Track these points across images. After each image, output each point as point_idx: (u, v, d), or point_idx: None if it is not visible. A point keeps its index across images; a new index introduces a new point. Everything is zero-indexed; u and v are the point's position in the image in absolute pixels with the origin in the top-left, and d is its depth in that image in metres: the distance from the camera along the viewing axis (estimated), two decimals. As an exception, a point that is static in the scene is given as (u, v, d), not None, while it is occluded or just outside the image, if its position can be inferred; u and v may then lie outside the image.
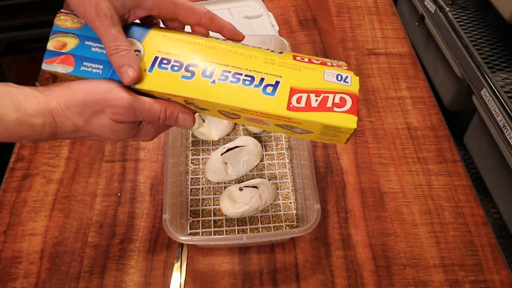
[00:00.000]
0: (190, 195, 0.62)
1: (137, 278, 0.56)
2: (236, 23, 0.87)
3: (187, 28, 0.44)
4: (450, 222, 0.61)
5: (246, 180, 0.62)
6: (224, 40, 0.43)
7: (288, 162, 0.65)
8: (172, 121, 0.41)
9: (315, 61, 0.41)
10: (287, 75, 0.39)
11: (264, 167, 0.65)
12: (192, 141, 0.68)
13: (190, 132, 0.68)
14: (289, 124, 0.40)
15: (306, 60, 0.41)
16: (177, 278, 0.55)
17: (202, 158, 0.66)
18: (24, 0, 1.45)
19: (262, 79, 0.39)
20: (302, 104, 0.38)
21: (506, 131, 0.75)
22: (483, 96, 0.82)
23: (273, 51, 0.41)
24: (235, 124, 0.69)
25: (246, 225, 0.59)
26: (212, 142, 0.67)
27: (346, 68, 0.41)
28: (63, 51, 0.40)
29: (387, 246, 0.59)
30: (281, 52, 0.41)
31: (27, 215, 0.61)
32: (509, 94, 0.78)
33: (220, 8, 0.90)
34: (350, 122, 0.38)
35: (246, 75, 0.39)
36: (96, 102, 0.38)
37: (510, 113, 0.74)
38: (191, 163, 0.65)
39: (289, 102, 0.38)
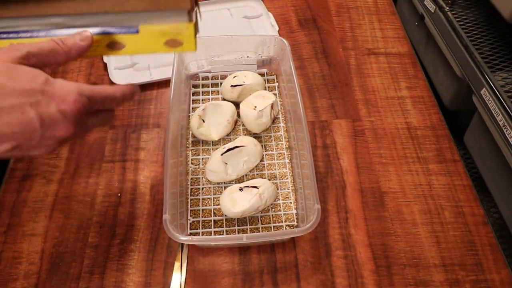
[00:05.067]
0: (190, 195, 0.62)
1: (137, 278, 0.56)
2: (236, 23, 0.87)
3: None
4: (450, 221, 0.61)
5: (246, 180, 0.62)
6: None
7: (288, 162, 0.65)
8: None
9: None
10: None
11: (264, 167, 0.65)
12: (192, 141, 0.68)
13: (190, 132, 0.68)
14: None
15: None
16: (177, 278, 0.55)
17: (202, 158, 0.66)
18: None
19: None
20: None
21: (506, 131, 0.75)
22: (483, 96, 0.82)
23: None
24: (235, 124, 0.69)
25: (246, 225, 0.59)
26: (212, 142, 0.67)
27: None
28: None
29: (387, 246, 0.59)
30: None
31: (27, 216, 0.61)
32: (509, 94, 0.78)
33: (220, 8, 0.90)
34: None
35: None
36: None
37: (510, 112, 0.74)
38: (191, 163, 0.65)
39: None
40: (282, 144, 0.68)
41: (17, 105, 0.33)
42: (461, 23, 0.95)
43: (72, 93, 0.36)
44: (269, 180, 0.63)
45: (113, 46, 0.43)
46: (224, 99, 0.72)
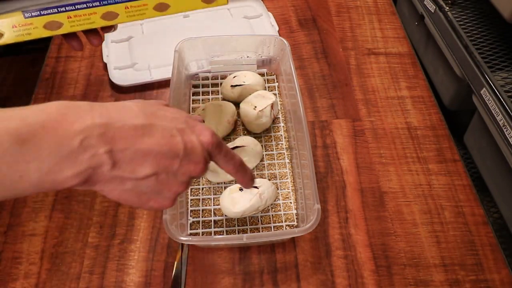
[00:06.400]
0: (190, 195, 0.62)
1: (137, 279, 0.56)
2: (236, 23, 0.87)
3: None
4: (450, 221, 0.61)
5: (246, 180, 0.62)
6: None
7: (288, 162, 0.65)
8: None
9: None
10: None
11: (264, 167, 0.65)
12: (192, 141, 0.68)
13: (190, 132, 0.68)
14: None
15: None
16: (177, 278, 0.55)
17: (202, 158, 0.66)
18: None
19: None
20: None
21: (506, 131, 0.75)
22: (483, 96, 0.82)
23: None
24: (235, 124, 0.69)
25: (246, 225, 0.59)
26: (212, 142, 0.67)
27: None
28: None
29: (387, 245, 0.59)
30: None
31: (27, 216, 0.61)
32: (509, 94, 0.78)
33: (220, 8, 0.90)
34: None
35: None
36: None
37: (510, 112, 0.74)
38: (191, 163, 0.65)
39: None
40: (282, 144, 0.68)
41: (168, 127, 0.36)
42: (461, 23, 0.95)
43: (209, 130, 0.39)
44: (269, 180, 0.63)
45: (160, 8, 0.48)
46: (224, 99, 0.72)
